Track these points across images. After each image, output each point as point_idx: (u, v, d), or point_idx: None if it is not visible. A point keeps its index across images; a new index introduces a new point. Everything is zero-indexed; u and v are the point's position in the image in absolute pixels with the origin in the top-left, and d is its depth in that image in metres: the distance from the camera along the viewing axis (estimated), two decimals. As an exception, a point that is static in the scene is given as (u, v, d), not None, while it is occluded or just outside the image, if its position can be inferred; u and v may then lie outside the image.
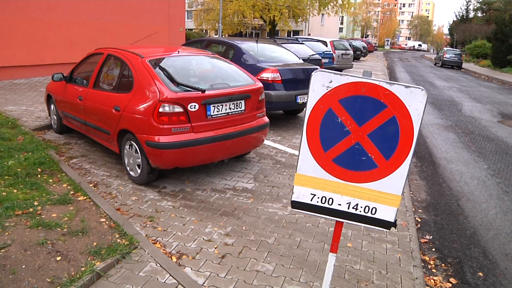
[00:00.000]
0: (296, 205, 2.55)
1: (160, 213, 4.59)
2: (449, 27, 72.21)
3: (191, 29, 42.37)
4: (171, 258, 3.74)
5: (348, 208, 2.47)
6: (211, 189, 5.32)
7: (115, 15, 14.94)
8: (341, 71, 17.47)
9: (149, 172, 5.20)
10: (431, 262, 4.30)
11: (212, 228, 4.33)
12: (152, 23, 16.19)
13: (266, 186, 5.53)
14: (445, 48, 45.91)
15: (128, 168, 5.49)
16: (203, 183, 5.50)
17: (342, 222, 2.55)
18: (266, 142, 7.37)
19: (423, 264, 4.13)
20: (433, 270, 4.15)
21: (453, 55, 39.07)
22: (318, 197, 2.49)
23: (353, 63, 22.86)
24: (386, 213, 2.42)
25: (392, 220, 2.44)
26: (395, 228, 2.59)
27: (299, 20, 39.50)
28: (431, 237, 4.83)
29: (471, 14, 62.39)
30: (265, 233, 4.30)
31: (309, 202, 2.51)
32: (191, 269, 3.60)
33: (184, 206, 4.80)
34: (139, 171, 5.28)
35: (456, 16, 68.84)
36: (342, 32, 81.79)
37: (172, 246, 3.94)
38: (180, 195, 5.10)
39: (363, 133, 2.32)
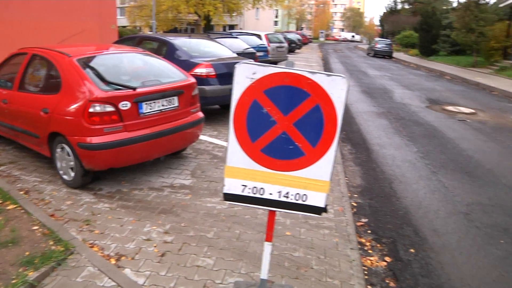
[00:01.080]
0: (228, 197, 2.57)
1: (96, 215, 4.47)
2: (379, 18, 74.87)
3: (125, 26, 41.23)
4: (109, 260, 3.66)
5: (280, 197, 2.52)
6: (148, 187, 5.24)
7: (41, 12, 14.24)
8: (276, 64, 17.59)
9: (83, 174, 5.04)
10: (367, 243, 4.47)
11: (151, 227, 4.27)
12: (82, 20, 15.57)
13: (204, 181, 5.51)
14: (376, 39, 47.61)
15: (61, 172, 5.30)
16: (140, 182, 5.40)
17: (275, 211, 2.60)
18: (202, 137, 7.34)
19: (359, 246, 4.29)
20: (369, 251, 4.32)
21: (384, 45, 40.61)
22: (249, 188, 2.52)
23: (288, 55, 23.16)
24: (316, 199, 2.49)
25: (323, 206, 2.51)
26: (326, 213, 2.67)
27: (234, 14, 39.47)
28: (366, 220, 5.02)
29: (399, 6, 64.95)
30: (205, 228, 4.29)
31: (241, 193, 2.54)
32: (131, 269, 3.55)
33: (122, 207, 4.70)
34: (72, 174, 5.11)
35: (385, 8, 71.47)
36: (277, 25, 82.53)
37: (110, 248, 3.85)
38: (117, 196, 4.98)
39: (289, 122, 2.36)
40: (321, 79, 2.29)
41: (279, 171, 2.46)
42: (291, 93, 2.32)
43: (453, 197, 5.74)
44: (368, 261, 4.11)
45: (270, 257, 3.74)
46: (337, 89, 2.29)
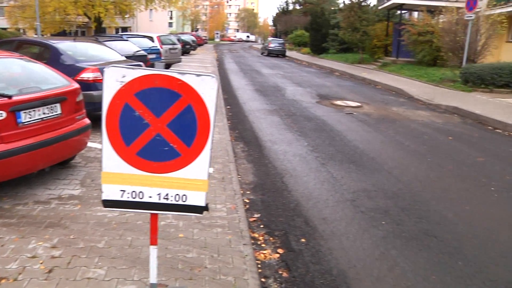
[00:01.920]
0: (108, 203, 2.52)
1: (-28, 238, 4.10)
2: (273, 18, 77.27)
3: (5, 28, 38.25)
4: (-14, 287, 3.38)
5: (160, 199, 2.51)
6: (33, 201, 4.93)
7: None
8: (169, 66, 17.35)
9: (-45, 193, 4.62)
10: (260, 238, 4.60)
11: (36, 243, 4.01)
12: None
13: (94, 190, 5.31)
14: (270, 38, 49.08)
15: None
16: (24, 196, 5.06)
17: (157, 213, 2.59)
18: (92, 144, 7.04)
19: (252, 241, 4.40)
20: (263, 245, 4.45)
21: (277, 45, 41.98)
22: (128, 193, 2.49)
23: (181, 57, 22.97)
24: (197, 198, 2.53)
25: (203, 204, 2.55)
26: (208, 211, 2.71)
27: (126, 16, 38.28)
28: (259, 215, 5.16)
29: (291, 7, 67.54)
30: (95, 238, 4.14)
31: (120, 198, 2.50)
32: (13, 292, 3.31)
33: (2, 225, 4.36)
34: None
35: (278, 8, 73.90)
36: (172, 26, 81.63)
37: (-12, 272, 3.56)
38: (-3, 213, 4.63)
39: (162, 124, 2.37)
40: (191, 79, 2.32)
41: (156, 173, 2.46)
42: (162, 95, 2.33)
43: (340, 186, 6.10)
44: (262, 255, 4.23)
45: (162, 260, 3.75)
46: (208, 88, 2.34)
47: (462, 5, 17.95)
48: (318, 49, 39.78)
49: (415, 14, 31.52)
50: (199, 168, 2.46)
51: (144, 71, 2.30)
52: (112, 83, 2.30)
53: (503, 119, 10.87)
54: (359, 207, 5.42)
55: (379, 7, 31.62)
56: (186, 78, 2.31)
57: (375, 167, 7.05)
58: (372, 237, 4.68)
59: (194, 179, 2.48)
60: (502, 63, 16.28)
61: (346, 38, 29.80)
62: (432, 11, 24.00)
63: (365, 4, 30.00)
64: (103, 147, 2.42)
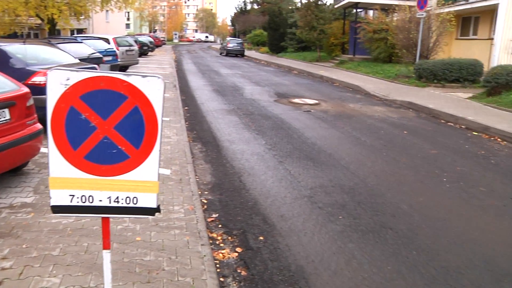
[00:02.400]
0: (56, 209, 2.47)
1: None
2: (231, 18, 77.34)
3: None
4: None
5: (110, 203, 2.49)
6: (-18, 211, 4.77)
7: None
8: (126, 68, 17.04)
9: None
10: (219, 238, 4.60)
11: (-15, 255, 3.88)
12: None
13: (48, 196, 5.14)
14: (228, 38, 49.10)
15: None
16: (-28, 206, 4.89)
17: (108, 217, 2.56)
18: (45, 150, 6.84)
19: (211, 241, 4.40)
20: (221, 245, 4.46)
21: (236, 44, 42.10)
22: (78, 197, 2.45)
23: (138, 59, 22.70)
24: (147, 200, 2.51)
25: (155, 206, 2.54)
26: (159, 213, 2.70)
27: (81, 17, 37.35)
28: (217, 215, 5.16)
29: (249, 6, 67.86)
30: (49, 246, 4.03)
31: (70, 204, 2.46)
32: (-44, 312, 3.19)
33: None
34: None
35: (236, 8, 74.11)
36: (129, 28, 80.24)
37: None
38: None
39: (109, 127, 2.35)
40: (136, 80, 2.31)
41: (106, 176, 2.43)
42: (108, 97, 2.30)
43: (298, 183, 6.18)
44: (220, 255, 4.24)
45: (120, 265, 3.71)
46: (154, 89, 2.33)
47: (414, 3, 18.49)
48: (276, 48, 40.13)
49: (370, 12, 32.29)
50: (149, 169, 2.45)
51: (88, 74, 2.27)
52: (56, 86, 2.26)
53: (454, 112, 11.29)
54: (317, 203, 5.51)
55: (335, 6, 32.18)
56: (131, 80, 2.30)
57: (332, 163, 7.17)
58: (330, 232, 4.77)
59: (144, 180, 2.46)
60: (452, 59, 16.89)
61: (304, 36, 30.16)
62: (386, 9, 24.63)
63: (322, 3, 30.49)
64: (49, 152, 2.38)
